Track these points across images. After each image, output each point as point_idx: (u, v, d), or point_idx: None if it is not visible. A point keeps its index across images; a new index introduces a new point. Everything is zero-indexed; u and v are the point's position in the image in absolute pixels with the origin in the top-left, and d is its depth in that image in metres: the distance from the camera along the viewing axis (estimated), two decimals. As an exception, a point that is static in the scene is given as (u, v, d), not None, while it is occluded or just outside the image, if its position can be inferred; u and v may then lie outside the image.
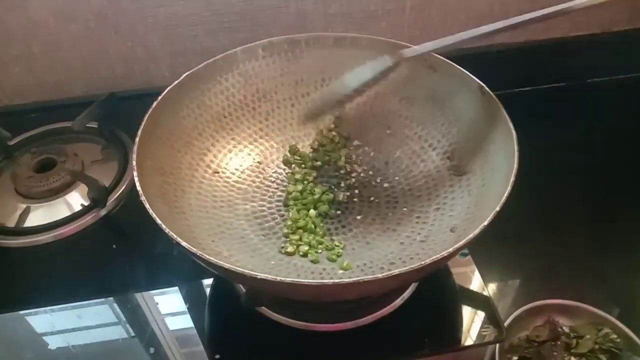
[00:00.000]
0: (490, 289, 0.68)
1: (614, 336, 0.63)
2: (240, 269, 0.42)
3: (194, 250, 0.44)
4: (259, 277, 0.41)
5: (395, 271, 0.41)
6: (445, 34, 0.92)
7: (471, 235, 0.45)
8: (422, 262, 0.42)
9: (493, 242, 0.64)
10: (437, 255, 0.43)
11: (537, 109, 0.93)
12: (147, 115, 0.58)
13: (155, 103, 0.60)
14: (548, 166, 0.81)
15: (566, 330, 0.65)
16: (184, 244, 0.45)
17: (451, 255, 0.44)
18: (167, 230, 0.45)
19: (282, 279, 0.40)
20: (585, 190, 0.81)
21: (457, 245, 0.44)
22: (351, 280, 0.41)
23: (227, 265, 0.42)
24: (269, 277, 0.41)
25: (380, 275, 0.41)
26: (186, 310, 0.62)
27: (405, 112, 0.69)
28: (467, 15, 0.90)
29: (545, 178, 0.79)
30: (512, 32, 0.94)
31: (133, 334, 0.60)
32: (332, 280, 0.40)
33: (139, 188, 0.50)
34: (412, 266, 0.42)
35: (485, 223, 0.46)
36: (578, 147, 0.85)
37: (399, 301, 0.60)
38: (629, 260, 0.71)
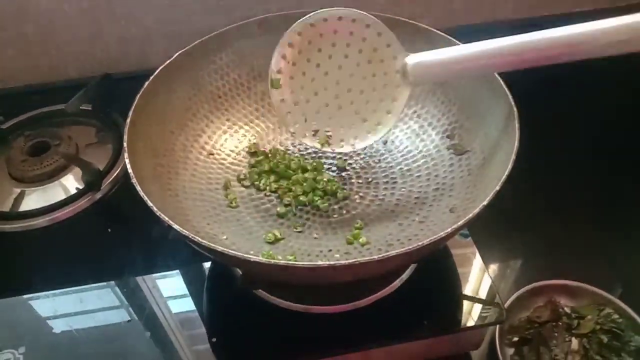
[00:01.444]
0: (491, 270, 0.68)
1: (616, 316, 0.63)
2: (232, 252, 0.41)
3: (185, 232, 0.43)
4: (252, 260, 0.40)
5: (392, 252, 0.40)
6: (446, 13, 0.91)
7: (470, 215, 0.44)
8: (420, 243, 0.41)
9: (494, 223, 0.63)
10: (435, 236, 0.42)
11: (540, 88, 0.91)
12: (138, 96, 0.57)
13: (147, 83, 0.59)
14: (549, 146, 0.79)
15: (567, 310, 0.64)
16: (176, 226, 0.44)
17: (449, 235, 0.43)
18: (159, 213, 0.44)
19: (276, 261, 0.40)
20: (587, 170, 0.80)
21: (455, 226, 0.43)
22: (346, 262, 0.40)
23: (219, 248, 0.41)
24: (263, 260, 0.40)
25: (376, 257, 0.40)
26: (187, 293, 0.62)
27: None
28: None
29: (546, 158, 0.78)
30: (514, 7, 0.93)
31: (135, 317, 0.60)
32: (327, 263, 0.39)
33: (130, 170, 0.49)
34: (409, 247, 0.41)
35: (485, 203, 0.44)
36: (580, 127, 0.84)
37: (397, 282, 0.59)
38: (631, 241, 0.70)
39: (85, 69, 0.87)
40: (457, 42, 0.61)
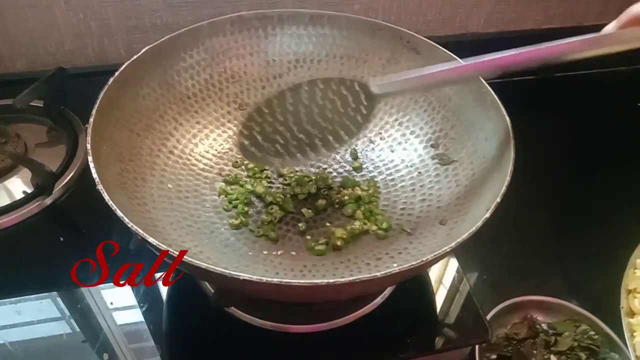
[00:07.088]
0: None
1: (592, 333, 0.63)
2: (219, 270, 0.36)
3: (163, 247, 0.38)
4: (241, 277, 0.36)
5: (396, 269, 0.37)
6: (419, 20, 0.90)
7: (473, 229, 0.41)
8: (425, 258, 0.38)
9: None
10: (439, 251, 0.39)
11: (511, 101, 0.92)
12: (102, 93, 0.52)
13: (111, 80, 0.53)
14: (526, 161, 0.79)
15: (544, 327, 0.64)
16: (152, 240, 0.38)
17: (453, 249, 0.40)
18: (130, 225, 0.39)
19: (269, 279, 0.35)
20: (564, 187, 0.80)
21: (463, 237, 0.40)
22: (346, 280, 0.36)
23: (204, 265, 0.37)
24: (254, 277, 0.35)
25: (379, 274, 0.36)
26: (136, 304, 0.57)
27: (384, 97, 0.65)
28: (442, 1, 0.88)
29: (523, 173, 0.77)
30: (485, 22, 0.93)
31: (78, 329, 0.55)
32: (325, 280, 0.36)
33: (95, 176, 0.44)
34: (413, 263, 0.38)
35: (487, 215, 0.43)
36: (562, 142, 0.84)
37: (378, 300, 0.56)
38: (606, 257, 0.70)
39: (36, 63, 0.80)
40: (441, 48, 0.60)
